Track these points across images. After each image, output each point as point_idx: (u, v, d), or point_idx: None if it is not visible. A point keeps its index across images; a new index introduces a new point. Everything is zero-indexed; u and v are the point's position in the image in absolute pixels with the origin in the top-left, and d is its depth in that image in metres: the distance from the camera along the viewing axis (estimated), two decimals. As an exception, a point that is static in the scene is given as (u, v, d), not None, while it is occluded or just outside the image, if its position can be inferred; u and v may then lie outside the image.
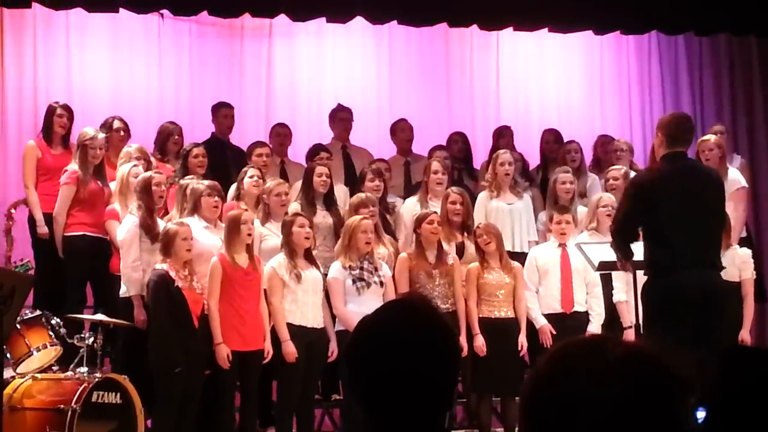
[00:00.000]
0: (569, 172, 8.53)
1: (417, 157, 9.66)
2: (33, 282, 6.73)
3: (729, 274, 6.91)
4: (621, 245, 6.28)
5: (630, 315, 7.39)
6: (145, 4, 8.92)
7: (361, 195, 8.07)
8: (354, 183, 8.99)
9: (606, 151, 9.57)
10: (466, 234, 8.05)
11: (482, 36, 10.60)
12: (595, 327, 7.75)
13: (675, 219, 6.02)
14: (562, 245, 7.90)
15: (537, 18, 9.66)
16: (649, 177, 6.40)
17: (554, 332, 7.66)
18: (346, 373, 2.19)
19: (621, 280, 7.69)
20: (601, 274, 7.63)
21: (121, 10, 8.79)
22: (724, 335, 6.20)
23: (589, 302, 7.83)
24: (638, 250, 6.33)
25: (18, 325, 6.70)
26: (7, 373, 6.56)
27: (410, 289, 7.51)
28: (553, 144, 9.71)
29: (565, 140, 9.62)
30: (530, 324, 7.77)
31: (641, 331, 6.72)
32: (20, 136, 9.27)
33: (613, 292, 7.84)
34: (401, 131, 9.81)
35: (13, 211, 8.13)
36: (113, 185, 7.98)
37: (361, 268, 7.46)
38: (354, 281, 7.43)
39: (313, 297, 7.38)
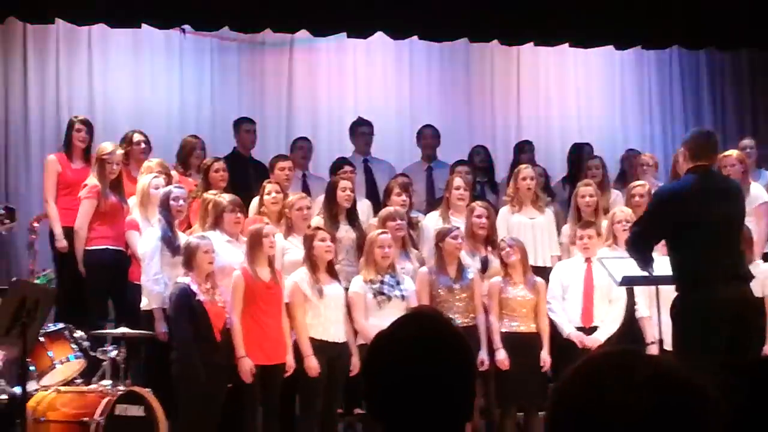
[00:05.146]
0: (591, 185, 8.49)
1: (440, 164, 9.68)
2: (56, 295, 6.75)
3: (752, 289, 6.87)
4: (638, 251, 6.28)
5: (653, 330, 7.35)
6: (167, 19, 8.92)
7: (390, 208, 8.05)
8: (375, 197, 8.99)
9: (632, 165, 9.54)
10: (490, 248, 8.05)
11: (503, 51, 10.61)
12: (600, 335, 7.65)
13: (704, 231, 6.01)
14: (588, 260, 7.86)
15: (558, 33, 9.62)
16: (673, 190, 6.39)
17: (582, 342, 7.63)
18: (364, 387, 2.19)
19: (644, 295, 7.64)
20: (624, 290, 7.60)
21: (143, 25, 8.82)
22: (754, 349, 6.18)
23: (605, 313, 7.78)
24: (665, 266, 6.32)
25: (41, 338, 6.72)
26: (31, 385, 6.58)
27: (431, 303, 7.49)
28: (581, 156, 9.69)
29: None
30: (553, 340, 7.75)
31: (664, 347, 6.71)
32: (43, 150, 9.31)
33: (636, 307, 7.79)
34: (424, 137, 9.90)
35: (35, 224, 8.12)
36: (134, 199, 8.00)
37: (382, 282, 7.46)
38: (375, 295, 7.43)
39: (335, 312, 7.37)
